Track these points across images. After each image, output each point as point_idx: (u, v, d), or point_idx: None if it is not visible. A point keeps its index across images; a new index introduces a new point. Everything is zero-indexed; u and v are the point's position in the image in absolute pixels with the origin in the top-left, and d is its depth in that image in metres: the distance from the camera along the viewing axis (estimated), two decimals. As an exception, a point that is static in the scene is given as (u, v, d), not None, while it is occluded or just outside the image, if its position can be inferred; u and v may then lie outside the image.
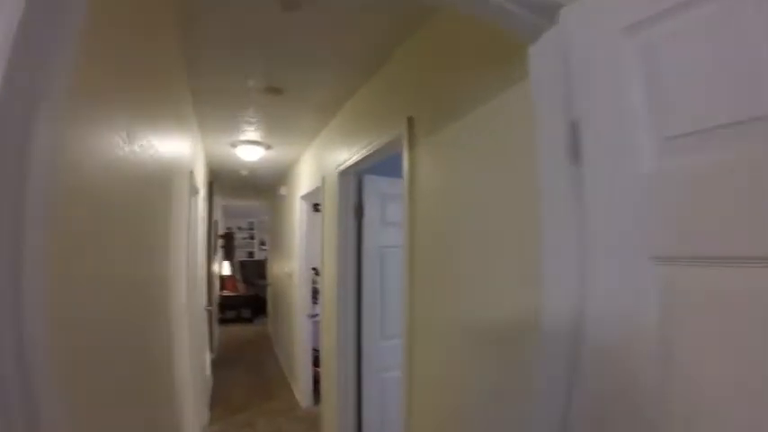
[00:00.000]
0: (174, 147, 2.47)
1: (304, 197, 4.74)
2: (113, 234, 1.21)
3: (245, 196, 9.30)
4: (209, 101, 3.28)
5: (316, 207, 5.16)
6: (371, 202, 3.20)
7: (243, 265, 12.08)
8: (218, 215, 9.59)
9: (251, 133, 4.13)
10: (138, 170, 1.58)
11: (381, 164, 3.09)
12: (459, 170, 1.69)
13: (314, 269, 5.21)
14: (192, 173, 3.32)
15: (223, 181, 7.15)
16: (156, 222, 1.97)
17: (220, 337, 8.44)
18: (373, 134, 2.58)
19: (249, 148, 4.48)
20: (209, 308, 5.48)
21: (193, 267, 4.15)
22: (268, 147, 4.57)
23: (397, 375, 3.43)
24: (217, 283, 9.57)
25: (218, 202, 9.61)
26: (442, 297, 1.81)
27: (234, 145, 4.49)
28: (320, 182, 3.77)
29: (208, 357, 5.51)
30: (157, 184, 2.01)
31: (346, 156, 3.03)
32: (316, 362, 4.75)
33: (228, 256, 11.70)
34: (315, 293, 5.18)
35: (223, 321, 9.74)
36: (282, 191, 6.02)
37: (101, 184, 1.07)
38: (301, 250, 4.89)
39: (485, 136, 1.53)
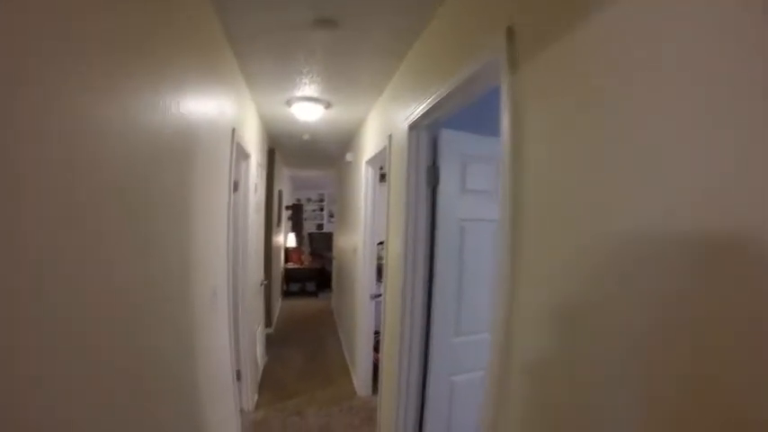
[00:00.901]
0: (201, 99, 1.98)
1: (369, 162, 4.15)
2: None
3: (312, 165, 8.87)
4: (252, 49, 2.76)
5: (383, 177, 4.59)
6: (449, 163, 2.53)
7: (311, 237, 11.85)
8: (284, 186, 9.29)
9: (306, 88, 3.56)
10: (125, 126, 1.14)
11: (462, 117, 2.43)
12: (603, 93, 1.01)
13: (381, 243, 4.66)
14: (234, 131, 2.81)
15: (285, 148, 6.72)
16: (160, 188, 1.48)
17: (282, 311, 8.17)
18: (454, 66, 1.89)
19: (306, 106, 3.93)
20: (265, 282, 5.07)
21: (243, 239, 3.70)
22: (328, 105, 4.00)
23: (473, 378, 2.84)
24: (282, 255, 9.35)
25: (285, 172, 9.31)
26: (565, 285, 1.15)
27: (289, 103, 3.96)
28: (386, 141, 3.15)
29: (261, 335, 5.14)
30: (170, 145, 1.54)
31: (417, 104, 2.38)
32: (377, 346, 4.25)
33: (296, 227, 11.50)
34: (380, 271, 4.64)
35: (287, 295, 9.52)
36: (348, 157, 5.46)
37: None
38: (366, 222, 4.32)
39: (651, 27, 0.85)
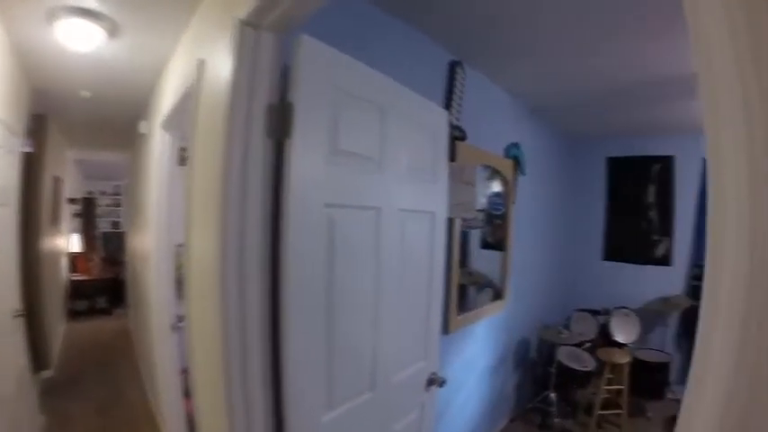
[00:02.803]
0: None
1: (167, 123, 2.76)
2: None
3: (102, 144, 6.85)
4: None
5: (184, 158, 3.22)
6: (312, 101, 1.38)
7: (106, 238, 9.65)
8: (66, 172, 7.18)
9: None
10: None
11: (331, 33, 1.35)
12: None
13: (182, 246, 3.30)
14: None
15: (63, 117, 4.85)
16: None
17: (66, 340, 6.14)
18: None
19: (78, 25, 2.43)
20: (20, 313, 3.28)
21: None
22: (113, 28, 2.54)
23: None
24: (64, 265, 7.25)
25: (68, 155, 7.21)
26: None
27: (51, 17, 2.43)
28: (194, 74, 1.87)
29: (30, 387, 3.41)
30: None
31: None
32: (189, 390, 2.92)
33: (87, 227, 9.28)
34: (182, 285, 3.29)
35: (73, 315, 7.36)
36: (142, 127, 3.94)
37: None
38: (161, 216, 2.89)
39: None
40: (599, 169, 5.44)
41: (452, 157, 2.62)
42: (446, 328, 2.68)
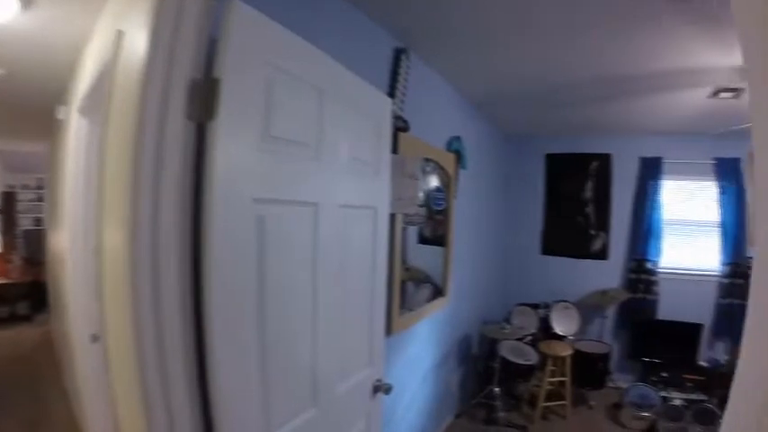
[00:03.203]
0: None
1: (84, 108, 2.47)
2: None
3: (19, 131, 6.24)
4: None
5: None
6: (241, 78, 1.21)
7: (28, 236, 8.92)
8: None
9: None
10: None
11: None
12: None
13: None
14: None
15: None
16: None
17: None
18: None
19: None
20: None
21: None
22: None
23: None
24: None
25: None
26: None
27: None
28: (111, 48, 1.64)
29: None
30: None
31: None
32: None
33: (7, 224, 8.56)
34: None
35: (-6, 323, 6.72)
36: (61, 113, 3.59)
37: None
38: (76, 212, 2.60)
39: None
40: (538, 165, 5.50)
41: (394, 148, 2.51)
42: (389, 330, 2.57)
